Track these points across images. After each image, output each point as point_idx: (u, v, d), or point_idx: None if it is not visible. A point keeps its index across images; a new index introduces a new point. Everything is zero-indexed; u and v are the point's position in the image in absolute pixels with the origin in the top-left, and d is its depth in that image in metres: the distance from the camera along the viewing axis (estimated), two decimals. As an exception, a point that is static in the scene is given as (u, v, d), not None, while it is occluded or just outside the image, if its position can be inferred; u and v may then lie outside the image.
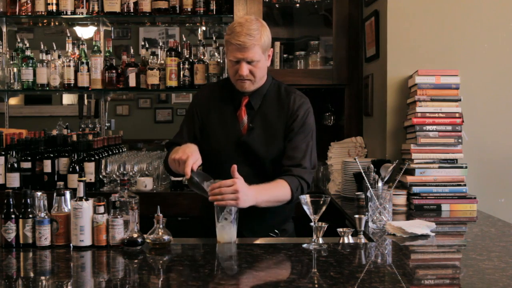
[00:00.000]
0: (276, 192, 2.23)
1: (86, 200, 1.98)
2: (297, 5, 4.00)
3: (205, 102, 2.42)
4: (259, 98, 2.37)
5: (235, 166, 2.10)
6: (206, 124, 2.39)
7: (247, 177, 2.14)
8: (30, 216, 1.99)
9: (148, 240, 1.96)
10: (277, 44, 3.88)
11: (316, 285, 1.61)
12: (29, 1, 3.95)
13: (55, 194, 2.02)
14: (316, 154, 2.41)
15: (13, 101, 6.22)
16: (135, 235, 1.95)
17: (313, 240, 1.99)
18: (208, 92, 2.48)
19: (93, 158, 3.50)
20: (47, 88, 4.01)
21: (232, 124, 2.35)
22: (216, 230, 2.08)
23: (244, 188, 2.07)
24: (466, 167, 2.77)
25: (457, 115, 2.81)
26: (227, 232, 2.06)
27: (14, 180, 3.47)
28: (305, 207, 1.99)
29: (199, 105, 2.43)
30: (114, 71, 3.94)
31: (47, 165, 3.49)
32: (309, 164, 2.33)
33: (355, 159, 2.64)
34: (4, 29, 4.18)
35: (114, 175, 3.54)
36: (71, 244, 1.99)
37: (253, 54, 2.23)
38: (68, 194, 2.04)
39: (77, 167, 3.45)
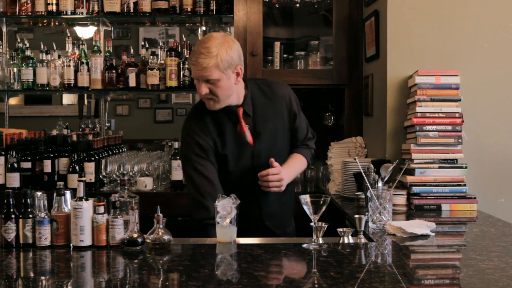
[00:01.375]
0: (300, 167, 2.53)
1: (86, 200, 1.98)
2: (297, 5, 4.00)
3: (205, 131, 2.33)
4: (249, 103, 2.37)
5: (272, 160, 2.30)
6: (217, 148, 2.34)
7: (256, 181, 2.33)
8: (30, 216, 1.99)
9: (148, 240, 1.96)
10: (277, 44, 3.89)
11: (316, 285, 1.61)
12: (29, 1, 3.95)
13: (55, 194, 2.02)
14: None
15: (13, 101, 6.21)
16: (135, 235, 1.95)
17: (313, 240, 1.99)
18: (200, 119, 2.36)
19: (93, 158, 3.50)
20: (47, 88, 4.01)
21: (239, 140, 2.34)
22: (216, 230, 2.09)
23: (286, 174, 2.35)
24: (466, 167, 2.77)
25: (457, 115, 2.81)
26: (227, 232, 2.07)
27: (14, 180, 3.47)
28: (305, 207, 1.99)
29: (202, 136, 2.32)
30: (114, 71, 3.94)
31: (47, 165, 3.50)
32: (311, 134, 2.61)
33: (355, 159, 2.64)
34: (4, 29, 4.18)
35: (114, 175, 3.54)
36: (71, 244, 1.99)
37: (209, 73, 2.17)
38: (68, 194, 2.04)
39: (77, 167, 3.45)
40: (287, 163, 2.42)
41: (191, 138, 2.34)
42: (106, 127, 4.35)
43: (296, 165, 2.49)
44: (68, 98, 7.67)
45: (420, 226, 2.19)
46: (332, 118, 4.06)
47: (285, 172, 2.35)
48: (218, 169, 2.35)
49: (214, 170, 2.33)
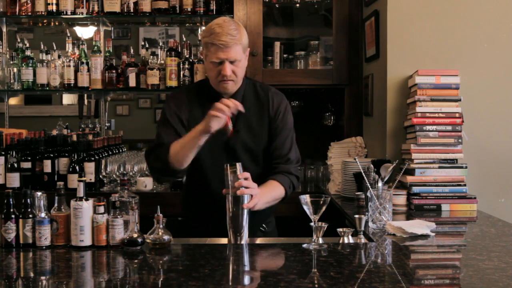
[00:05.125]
0: (274, 194, 2.32)
1: (86, 200, 1.98)
2: (297, 5, 4.00)
3: (185, 106, 2.37)
4: (239, 99, 2.34)
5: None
6: (190, 127, 2.34)
7: None
8: (30, 216, 1.99)
9: (148, 240, 1.96)
10: (277, 44, 3.88)
11: (316, 285, 1.61)
12: (29, 1, 3.95)
13: (55, 194, 2.02)
14: (297, 147, 2.47)
15: (13, 101, 6.21)
16: (135, 235, 1.95)
17: (313, 240, 1.99)
18: (185, 95, 2.41)
19: (93, 158, 3.50)
20: (47, 88, 4.01)
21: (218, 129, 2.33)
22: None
23: (260, 196, 2.14)
24: (466, 167, 2.77)
25: (457, 115, 2.81)
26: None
27: (14, 180, 3.46)
28: (305, 207, 1.99)
29: (179, 106, 2.37)
30: (114, 71, 3.94)
31: (47, 165, 3.49)
32: (294, 157, 2.42)
33: (355, 159, 2.64)
34: (4, 29, 4.18)
35: (114, 175, 3.54)
36: (71, 244, 1.99)
37: (235, 53, 2.25)
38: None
39: (77, 167, 3.45)
40: (262, 187, 2.23)
41: (170, 108, 2.38)
42: (106, 127, 4.35)
43: (272, 191, 2.31)
44: (68, 98, 7.67)
45: (420, 226, 2.19)
46: (332, 118, 4.06)
47: (260, 194, 2.17)
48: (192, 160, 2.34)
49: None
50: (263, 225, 2.49)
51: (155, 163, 2.33)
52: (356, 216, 2.19)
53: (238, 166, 2.10)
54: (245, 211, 2.07)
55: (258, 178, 2.26)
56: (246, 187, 2.08)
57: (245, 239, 2.08)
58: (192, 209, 2.50)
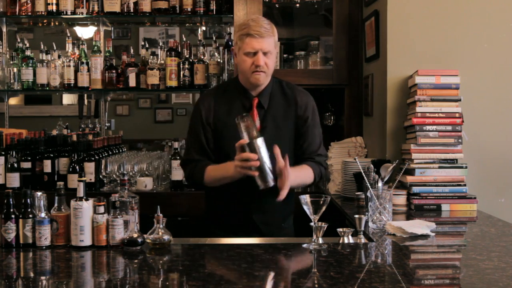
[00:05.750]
0: (304, 175, 2.41)
1: (86, 200, 1.98)
2: (297, 5, 4.00)
3: (212, 107, 2.45)
4: (267, 96, 2.44)
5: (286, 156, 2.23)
6: (218, 128, 2.42)
7: None
8: (30, 216, 1.99)
9: (148, 240, 1.96)
10: (277, 44, 3.88)
11: (316, 285, 1.61)
12: (29, 1, 3.95)
13: (55, 194, 2.02)
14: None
15: (13, 101, 6.22)
16: (135, 235, 1.95)
17: (313, 240, 1.99)
18: (213, 96, 2.48)
19: (93, 158, 3.50)
20: (47, 88, 4.01)
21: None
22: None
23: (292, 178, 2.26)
24: (466, 167, 2.77)
25: (457, 115, 2.81)
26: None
27: (14, 180, 3.46)
28: (305, 207, 1.99)
29: (206, 111, 2.44)
30: (114, 71, 3.95)
31: (47, 165, 3.49)
32: (324, 153, 2.55)
33: (355, 159, 2.64)
34: (4, 29, 4.19)
35: (114, 175, 3.54)
36: (71, 244, 1.99)
37: (268, 45, 2.35)
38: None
39: (77, 167, 3.45)
40: (294, 168, 2.33)
41: (196, 116, 2.48)
42: (106, 127, 4.35)
43: (302, 174, 2.40)
44: (68, 98, 7.67)
45: (420, 226, 2.19)
46: (332, 118, 4.06)
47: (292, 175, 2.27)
48: (217, 151, 2.44)
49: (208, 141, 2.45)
50: (283, 224, 2.52)
51: (191, 180, 2.49)
52: (356, 216, 2.19)
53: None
54: (263, 153, 2.16)
55: None
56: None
57: (270, 179, 2.17)
58: (216, 208, 2.50)
